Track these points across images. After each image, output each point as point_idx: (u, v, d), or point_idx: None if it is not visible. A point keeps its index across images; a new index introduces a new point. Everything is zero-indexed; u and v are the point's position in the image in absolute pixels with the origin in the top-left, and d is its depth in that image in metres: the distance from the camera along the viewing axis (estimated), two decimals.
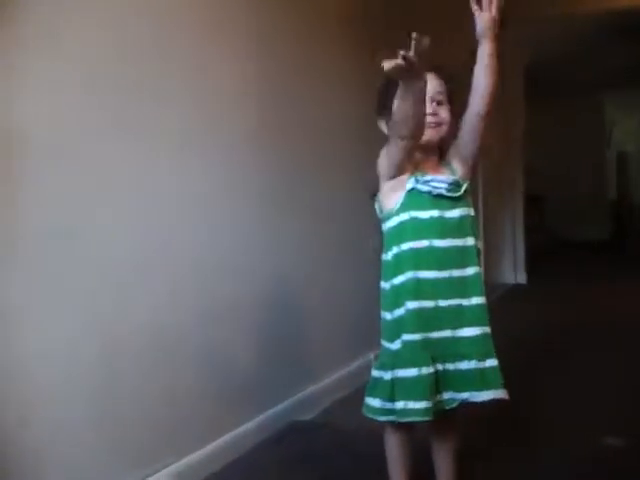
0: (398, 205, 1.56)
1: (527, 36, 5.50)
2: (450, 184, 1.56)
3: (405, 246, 1.55)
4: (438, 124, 1.58)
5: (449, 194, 1.55)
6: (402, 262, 1.55)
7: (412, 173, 1.56)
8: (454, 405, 1.52)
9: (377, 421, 1.57)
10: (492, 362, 1.53)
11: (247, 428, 2.14)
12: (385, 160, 1.56)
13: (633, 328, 3.70)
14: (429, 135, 1.57)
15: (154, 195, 1.82)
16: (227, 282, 2.08)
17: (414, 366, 1.49)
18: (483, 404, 1.50)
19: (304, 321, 2.51)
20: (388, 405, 1.53)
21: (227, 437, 2.05)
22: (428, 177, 1.55)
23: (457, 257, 1.55)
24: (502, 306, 4.12)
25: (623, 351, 3.25)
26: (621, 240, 8.73)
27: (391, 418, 1.53)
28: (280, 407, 2.32)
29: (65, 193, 1.55)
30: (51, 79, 1.52)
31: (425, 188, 1.54)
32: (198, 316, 1.95)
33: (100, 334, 1.62)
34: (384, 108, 1.58)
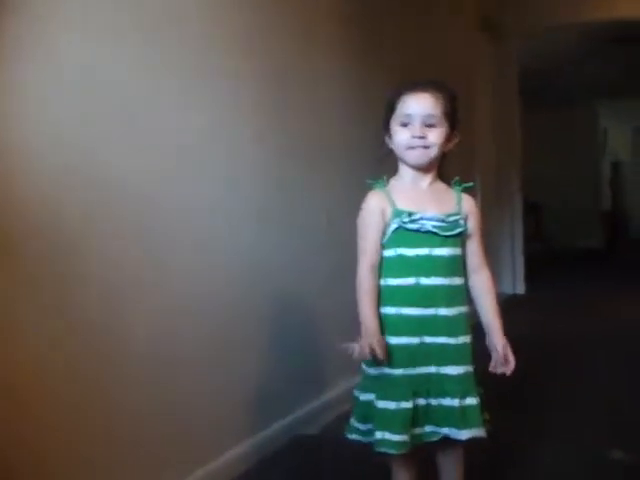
0: (384, 240, 1.53)
1: (522, 45, 5.52)
2: (441, 220, 1.51)
3: (391, 281, 1.53)
4: (425, 147, 1.51)
5: (439, 232, 1.50)
6: (386, 296, 1.53)
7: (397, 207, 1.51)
8: (435, 439, 1.51)
9: (359, 442, 1.56)
10: (472, 401, 1.51)
11: (250, 443, 2.10)
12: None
13: (634, 337, 3.68)
14: (415, 159, 1.53)
15: (149, 207, 1.79)
16: (228, 296, 2.04)
17: (393, 399, 1.48)
18: (461, 442, 1.50)
19: (307, 334, 2.47)
20: (366, 427, 1.54)
21: (230, 453, 2.01)
22: (416, 215, 1.50)
23: (444, 295, 1.51)
24: (501, 316, 4.09)
25: (625, 360, 3.23)
26: (615, 249, 8.76)
27: (370, 440, 1.52)
28: (283, 421, 2.28)
29: (64, 206, 1.51)
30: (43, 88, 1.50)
31: (413, 226, 1.50)
32: (198, 330, 1.91)
33: (99, 349, 1.59)
34: (387, 124, 1.57)
